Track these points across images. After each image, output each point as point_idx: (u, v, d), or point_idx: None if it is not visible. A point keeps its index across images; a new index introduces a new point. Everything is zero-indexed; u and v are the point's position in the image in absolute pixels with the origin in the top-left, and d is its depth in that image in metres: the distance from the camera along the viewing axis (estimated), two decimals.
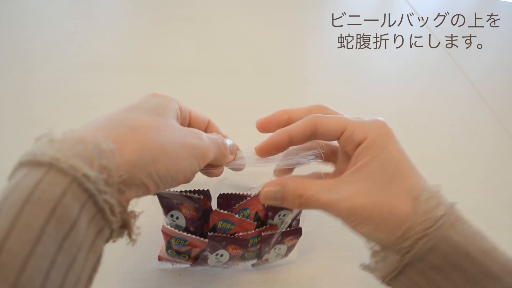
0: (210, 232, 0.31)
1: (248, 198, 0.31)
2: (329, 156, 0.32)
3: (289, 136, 0.29)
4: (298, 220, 0.34)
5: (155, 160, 0.22)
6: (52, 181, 0.18)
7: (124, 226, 0.22)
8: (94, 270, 0.20)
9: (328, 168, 0.32)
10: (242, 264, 0.36)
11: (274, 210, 0.32)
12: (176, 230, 0.31)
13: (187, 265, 0.34)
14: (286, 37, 0.76)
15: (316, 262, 0.41)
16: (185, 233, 0.31)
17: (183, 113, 0.29)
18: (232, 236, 0.31)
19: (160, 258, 0.34)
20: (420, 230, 0.24)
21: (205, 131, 0.30)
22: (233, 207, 0.31)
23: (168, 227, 0.31)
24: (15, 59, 0.56)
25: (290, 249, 0.36)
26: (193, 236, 0.31)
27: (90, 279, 0.20)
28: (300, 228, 0.35)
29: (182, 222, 0.31)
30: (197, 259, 0.33)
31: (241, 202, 0.31)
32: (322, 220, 0.43)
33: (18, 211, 0.17)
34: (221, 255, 0.32)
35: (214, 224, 0.31)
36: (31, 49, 0.58)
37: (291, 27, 0.79)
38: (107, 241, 0.22)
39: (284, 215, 0.33)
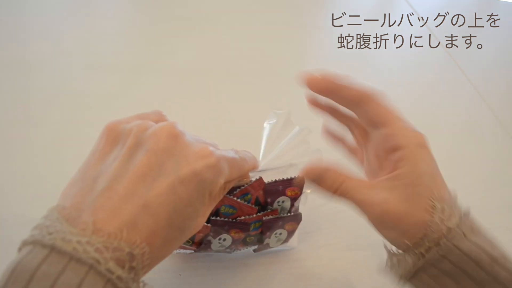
0: (212, 217, 0.31)
1: (249, 183, 0.31)
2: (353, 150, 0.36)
3: (337, 86, 0.30)
4: (297, 207, 0.35)
5: (175, 246, 0.24)
6: (91, 282, 0.19)
7: None
8: None
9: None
10: (244, 248, 0.37)
11: (272, 196, 0.33)
12: None
13: (191, 251, 0.34)
14: (286, 37, 0.76)
15: (316, 248, 0.41)
16: None
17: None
18: (234, 220, 0.32)
19: None
20: (434, 239, 0.26)
21: None
22: (234, 191, 0.31)
23: None
24: (14, 59, 0.56)
25: (290, 234, 0.37)
26: None
27: None
28: (300, 214, 0.35)
29: None
30: (201, 244, 0.33)
31: (242, 187, 0.31)
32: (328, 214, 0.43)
33: None
34: (224, 239, 0.33)
35: (217, 209, 0.31)
36: (31, 49, 0.58)
37: (291, 27, 0.79)
38: None
39: (283, 202, 0.34)
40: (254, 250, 0.38)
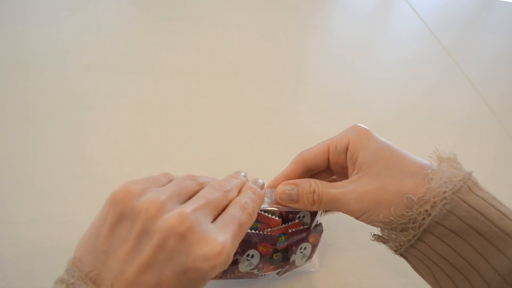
0: None
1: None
2: None
3: (284, 177, 0.32)
4: (318, 220, 0.35)
5: None
6: None
7: None
8: None
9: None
10: (270, 272, 0.36)
11: (293, 212, 0.33)
12: None
13: (216, 280, 0.34)
14: (286, 37, 0.76)
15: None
16: None
17: None
18: (261, 233, 0.32)
19: None
20: (438, 193, 0.25)
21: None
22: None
23: None
24: (14, 59, 0.56)
25: (314, 248, 0.36)
26: None
27: None
28: (321, 224, 0.36)
29: None
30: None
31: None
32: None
33: None
34: (252, 256, 0.32)
35: None
36: (30, 49, 0.58)
37: (291, 27, 0.79)
38: None
39: (303, 217, 0.34)
40: (278, 273, 0.36)
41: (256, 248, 0.32)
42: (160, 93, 0.56)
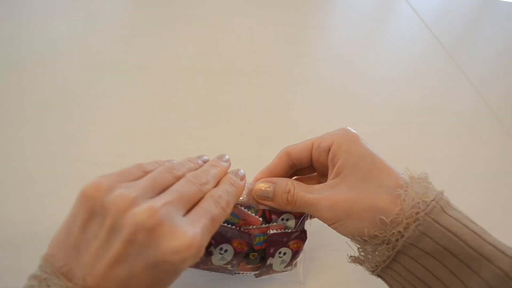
0: None
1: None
2: None
3: (269, 171, 0.32)
4: (303, 226, 0.34)
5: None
6: None
7: None
8: None
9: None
10: (245, 272, 0.35)
11: (277, 213, 0.33)
12: None
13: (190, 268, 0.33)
14: (286, 37, 0.76)
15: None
16: None
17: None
18: (237, 228, 0.31)
19: None
20: (411, 214, 0.25)
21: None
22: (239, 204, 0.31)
23: None
24: (14, 59, 0.56)
25: (295, 255, 0.35)
26: None
27: None
28: (305, 231, 0.35)
29: None
30: (202, 256, 0.32)
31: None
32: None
33: None
34: (226, 250, 0.32)
35: None
36: (30, 49, 0.58)
37: (291, 27, 0.79)
38: None
39: (287, 220, 0.33)
40: (256, 275, 0.36)
41: (230, 243, 0.32)
42: (158, 93, 0.56)
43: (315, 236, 0.37)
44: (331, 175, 0.29)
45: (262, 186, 0.31)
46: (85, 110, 0.51)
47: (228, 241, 0.31)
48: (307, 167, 0.34)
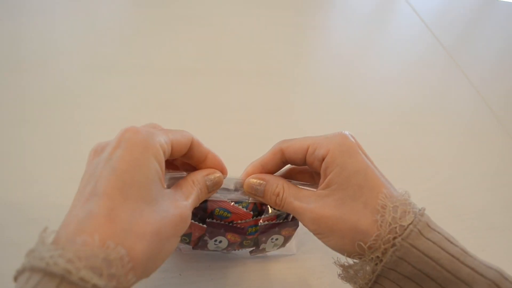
0: (208, 219, 0.31)
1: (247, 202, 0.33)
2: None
3: (262, 165, 0.32)
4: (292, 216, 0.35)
5: (157, 258, 0.24)
6: None
7: None
8: None
9: None
10: (240, 250, 0.37)
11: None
12: None
13: (189, 246, 0.35)
14: (286, 37, 0.76)
15: (314, 256, 0.41)
16: None
17: (168, 150, 0.27)
18: (230, 224, 0.32)
19: None
20: (388, 239, 0.25)
21: (204, 161, 0.31)
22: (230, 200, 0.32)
23: None
24: (14, 59, 0.56)
25: (287, 239, 0.37)
26: (193, 221, 0.31)
27: None
28: (297, 220, 0.35)
29: None
30: (198, 243, 0.33)
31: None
32: None
33: None
34: (220, 241, 0.33)
35: (211, 211, 0.32)
36: (30, 49, 0.58)
37: (291, 27, 0.79)
38: None
39: (279, 209, 0.34)
40: (251, 252, 0.37)
41: (224, 236, 0.33)
42: (158, 93, 0.56)
43: None
44: (321, 184, 0.29)
45: (253, 182, 0.31)
46: (85, 110, 0.51)
47: (222, 234, 0.32)
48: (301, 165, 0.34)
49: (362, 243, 0.26)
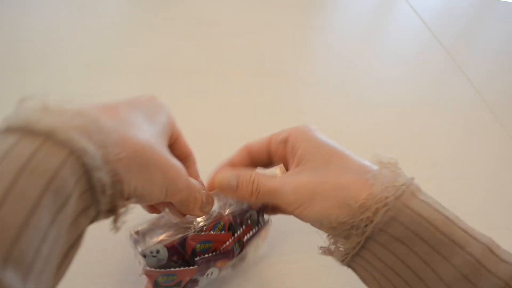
0: (195, 258, 0.31)
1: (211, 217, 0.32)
2: None
3: (230, 165, 0.32)
4: (263, 215, 0.36)
5: (148, 164, 0.22)
6: (49, 152, 0.17)
7: (112, 211, 0.21)
8: (72, 248, 0.19)
9: None
10: (232, 270, 0.36)
11: (240, 215, 0.33)
12: (162, 269, 0.29)
13: None
14: (286, 37, 0.76)
15: (314, 256, 0.40)
16: (172, 268, 0.30)
17: (172, 132, 0.28)
18: (215, 252, 0.31)
19: None
20: (380, 199, 0.24)
21: (183, 162, 0.30)
22: (204, 228, 0.31)
23: (152, 268, 0.29)
24: (14, 59, 0.56)
25: (264, 240, 0.37)
26: (181, 268, 0.30)
27: (66, 256, 0.19)
28: (269, 218, 0.36)
29: (164, 254, 0.30)
30: (187, 285, 0.32)
31: (208, 223, 0.32)
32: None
33: (14, 178, 0.16)
34: (211, 273, 0.32)
35: (193, 249, 0.30)
36: (30, 49, 0.58)
37: (291, 27, 0.79)
38: (91, 222, 0.21)
39: (250, 216, 0.34)
40: (232, 267, 0.36)
41: (214, 266, 0.32)
42: (158, 93, 0.56)
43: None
44: (292, 165, 0.29)
45: (226, 175, 0.30)
46: None
47: (212, 265, 0.32)
48: (268, 165, 0.33)
49: (351, 203, 0.24)
